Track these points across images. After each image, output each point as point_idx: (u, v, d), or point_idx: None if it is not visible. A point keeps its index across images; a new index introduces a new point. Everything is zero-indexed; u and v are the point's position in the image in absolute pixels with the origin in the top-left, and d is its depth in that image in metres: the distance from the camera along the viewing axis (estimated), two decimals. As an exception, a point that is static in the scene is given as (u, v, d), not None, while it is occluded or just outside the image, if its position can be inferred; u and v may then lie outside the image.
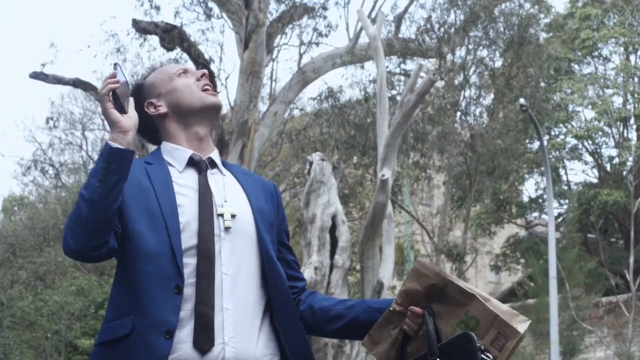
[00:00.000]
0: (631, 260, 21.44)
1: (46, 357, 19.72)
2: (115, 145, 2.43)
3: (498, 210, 25.98)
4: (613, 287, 22.52)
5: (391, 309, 2.54)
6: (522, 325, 2.46)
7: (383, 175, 13.23)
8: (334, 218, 12.98)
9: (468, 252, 21.70)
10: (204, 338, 2.42)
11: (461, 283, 2.48)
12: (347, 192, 20.68)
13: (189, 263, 2.48)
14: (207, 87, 2.71)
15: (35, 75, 18.39)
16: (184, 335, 2.43)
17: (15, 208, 29.77)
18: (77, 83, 18.65)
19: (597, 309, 21.58)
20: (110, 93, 2.48)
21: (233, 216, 2.56)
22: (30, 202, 29.19)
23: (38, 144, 28.98)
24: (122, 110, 2.50)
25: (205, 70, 2.76)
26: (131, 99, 2.54)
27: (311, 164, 13.23)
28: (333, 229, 12.92)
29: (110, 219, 2.45)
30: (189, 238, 2.50)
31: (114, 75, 2.48)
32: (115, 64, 2.53)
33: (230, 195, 2.61)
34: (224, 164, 2.73)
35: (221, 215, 2.55)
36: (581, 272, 20.51)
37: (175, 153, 2.66)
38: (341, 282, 12.95)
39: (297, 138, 20.73)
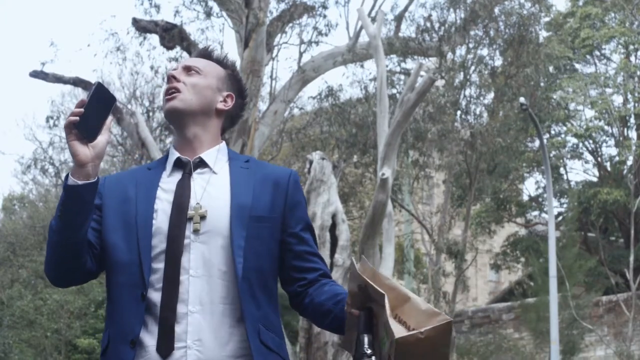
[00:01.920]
0: (631, 259, 21.43)
1: (46, 356, 19.70)
2: (70, 181, 2.45)
3: (498, 209, 25.98)
4: (613, 286, 22.52)
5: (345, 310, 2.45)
6: (424, 328, 2.15)
7: (383, 174, 13.21)
8: (334, 217, 12.98)
9: (468, 250, 21.70)
10: (164, 343, 2.45)
11: (380, 282, 2.28)
12: (347, 190, 20.69)
13: (159, 268, 2.50)
14: (168, 92, 2.68)
15: (36, 74, 18.40)
16: (150, 339, 2.47)
17: (16, 207, 29.79)
18: (77, 82, 18.67)
19: (597, 308, 21.57)
20: (80, 118, 2.44)
21: (203, 217, 2.53)
22: (30, 200, 29.20)
23: (38, 142, 29.01)
24: (91, 137, 2.47)
25: (170, 74, 2.72)
26: (109, 119, 2.51)
27: (311, 162, 13.23)
28: (333, 227, 12.93)
29: (78, 246, 2.51)
30: (159, 242, 2.52)
31: (81, 104, 2.44)
32: (97, 84, 2.48)
33: (211, 195, 2.58)
34: (231, 157, 2.69)
35: (191, 218, 2.53)
36: (581, 271, 20.52)
37: (171, 157, 2.68)
38: (341, 281, 12.94)
39: (297, 137, 20.73)
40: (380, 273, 2.32)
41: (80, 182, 2.45)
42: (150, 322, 2.48)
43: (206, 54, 2.79)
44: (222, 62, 2.78)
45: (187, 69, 2.71)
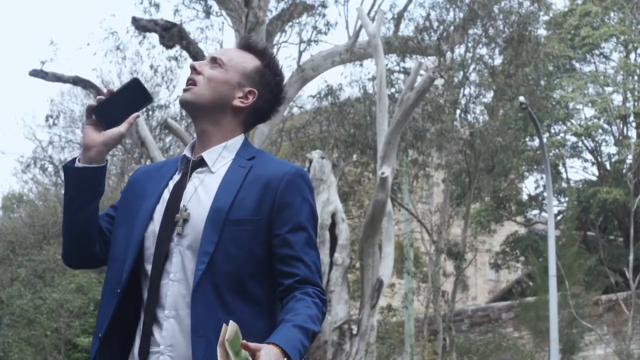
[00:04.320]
0: (631, 258, 21.42)
1: (45, 355, 19.70)
2: (68, 163, 2.50)
3: (498, 208, 25.98)
4: (613, 285, 22.51)
5: None
6: None
7: (383, 173, 13.22)
8: (333, 216, 13.00)
9: (467, 249, 21.70)
10: (142, 346, 2.47)
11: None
12: (346, 190, 20.67)
13: (149, 270, 2.50)
14: (187, 83, 2.62)
15: (35, 73, 18.39)
16: (138, 341, 2.49)
17: (15, 206, 29.77)
18: (76, 81, 18.67)
19: (597, 307, 21.57)
20: (100, 105, 2.50)
21: (185, 221, 2.48)
22: (30, 199, 29.20)
23: (38, 141, 29.03)
24: (109, 126, 2.50)
25: (191, 64, 2.65)
26: (134, 115, 2.51)
27: (311, 161, 13.25)
28: (333, 226, 12.94)
29: (79, 230, 2.54)
30: (152, 245, 2.50)
31: (108, 92, 2.50)
32: (133, 79, 2.53)
33: (199, 197, 2.51)
34: (238, 153, 2.58)
35: (177, 222, 2.49)
36: (581, 270, 20.50)
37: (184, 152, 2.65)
38: (341, 280, 12.96)
39: (296, 136, 20.72)
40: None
41: (79, 165, 2.48)
42: (140, 324, 2.49)
43: (245, 44, 2.68)
44: (259, 53, 2.66)
45: (213, 60, 2.62)
